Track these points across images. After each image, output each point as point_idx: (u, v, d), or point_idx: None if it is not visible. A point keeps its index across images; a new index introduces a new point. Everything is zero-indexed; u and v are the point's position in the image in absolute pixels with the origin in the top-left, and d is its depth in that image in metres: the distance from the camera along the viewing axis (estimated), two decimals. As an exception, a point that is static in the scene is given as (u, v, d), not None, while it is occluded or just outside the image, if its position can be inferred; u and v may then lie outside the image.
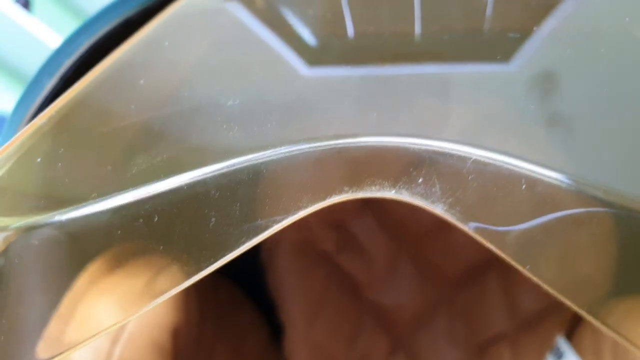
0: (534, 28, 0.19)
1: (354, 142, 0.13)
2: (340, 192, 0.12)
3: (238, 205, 0.12)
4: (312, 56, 0.19)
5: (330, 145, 0.13)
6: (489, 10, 0.20)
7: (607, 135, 0.13)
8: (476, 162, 0.12)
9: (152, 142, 0.14)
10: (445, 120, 0.14)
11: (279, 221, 0.12)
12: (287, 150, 0.13)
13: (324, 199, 0.12)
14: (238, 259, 0.13)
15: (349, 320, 0.41)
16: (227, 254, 0.12)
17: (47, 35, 0.91)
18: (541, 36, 0.19)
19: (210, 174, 0.13)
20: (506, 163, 0.12)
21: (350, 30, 0.22)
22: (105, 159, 0.13)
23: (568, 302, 0.13)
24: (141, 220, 0.12)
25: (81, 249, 0.13)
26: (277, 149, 0.13)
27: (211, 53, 0.17)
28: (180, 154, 0.13)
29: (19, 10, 0.88)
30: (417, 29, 0.22)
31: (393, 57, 0.20)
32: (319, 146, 0.13)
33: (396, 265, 0.42)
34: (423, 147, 0.12)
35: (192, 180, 0.13)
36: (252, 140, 0.13)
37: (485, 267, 0.41)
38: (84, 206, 0.13)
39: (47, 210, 0.13)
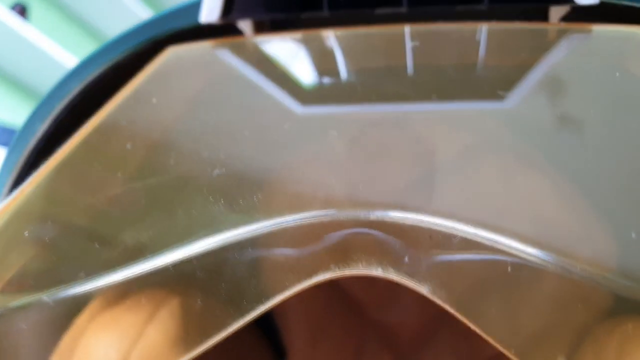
0: (526, 71, 0.19)
1: (340, 216, 0.13)
2: (327, 270, 0.12)
3: (223, 285, 0.12)
4: (305, 98, 0.19)
5: (318, 218, 0.12)
6: (481, 52, 0.20)
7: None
8: (464, 241, 0.12)
9: (139, 216, 0.13)
10: (434, 187, 0.13)
11: (264, 303, 0.12)
12: (273, 224, 0.13)
13: (310, 277, 0.12)
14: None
15: (352, 341, 0.41)
16: (213, 336, 0.12)
17: (44, 42, 0.91)
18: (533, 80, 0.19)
19: (196, 253, 0.12)
20: (494, 242, 0.12)
21: (343, 72, 0.22)
22: (92, 234, 0.13)
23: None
24: (127, 301, 0.12)
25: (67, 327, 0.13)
26: (263, 223, 0.13)
27: (200, 110, 0.17)
28: (166, 230, 0.13)
29: (15, 18, 0.89)
30: (410, 69, 0.22)
31: (387, 96, 0.20)
32: (305, 219, 0.13)
33: (397, 284, 0.42)
34: (409, 223, 0.12)
35: (177, 259, 0.12)
36: (239, 214, 0.13)
37: (488, 283, 0.40)
38: (71, 287, 0.13)
39: (33, 289, 0.13)
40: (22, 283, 0.14)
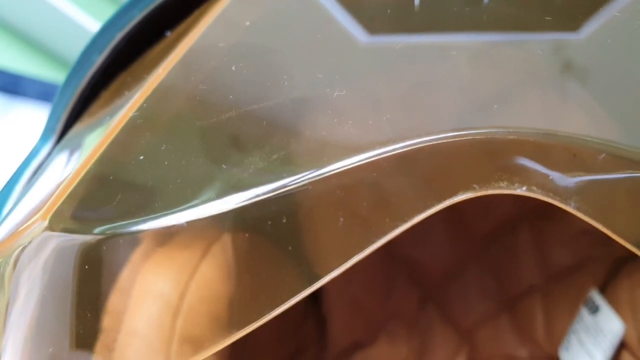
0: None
1: (478, 133, 0.12)
2: (467, 189, 0.12)
3: (365, 204, 0.12)
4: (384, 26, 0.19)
5: (458, 137, 0.12)
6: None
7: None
8: (609, 158, 0.12)
9: (263, 137, 0.13)
10: (554, 107, 0.13)
11: (401, 225, 0.12)
12: (408, 144, 0.12)
13: (450, 196, 0.12)
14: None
15: (383, 275, 0.42)
16: (355, 255, 0.12)
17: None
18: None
19: (334, 172, 0.12)
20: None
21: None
22: (216, 156, 0.13)
23: None
24: (269, 222, 0.12)
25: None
26: (399, 144, 0.12)
27: (298, 33, 0.16)
28: (297, 151, 0.13)
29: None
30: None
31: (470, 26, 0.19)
32: (443, 138, 0.12)
33: (427, 220, 0.42)
34: (551, 142, 0.12)
35: (314, 179, 0.12)
36: (370, 135, 0.13)
37: (517, 221, 0.41)
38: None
39: (153, 211, 0.13)
40: (139, 206, 0.13)
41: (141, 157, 0.13)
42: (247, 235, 0.13)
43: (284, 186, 0.12)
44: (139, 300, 0.16)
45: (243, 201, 0.12)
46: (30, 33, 0.92)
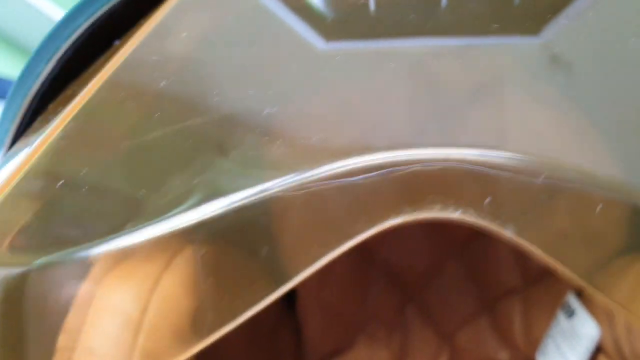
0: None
1: (410, 156, 0.12)
2: (399, 213, 0.12)
3: (292, 231, 0.11)
4: (334, 32, 0.18)
5: (386, 159, 0.12)
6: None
7: None
8: (548, 180, 0.11)
9: (186, 160, 0.12)
10: (503, 120, 0.12)
11: (334, 248, 0.11)
12: (338, 167, 0.12)
13: (381, 221, 0.11)
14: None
15: (358, 279, 0.41)
16: (284, 284, 0.11)
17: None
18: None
19: (257, 197, 0.12)
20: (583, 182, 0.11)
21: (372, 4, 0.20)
22: (136, 181, 0.12)
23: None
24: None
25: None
26: (328, 166, 0.12)
27: (234, 44, 0.15)
28: (219, 175, 0.12)
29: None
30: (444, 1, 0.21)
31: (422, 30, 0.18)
32: (373, 161, 0.12)
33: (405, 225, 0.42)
34: (488, 160, 0.11)
35: (236, 205, 0.12)
36: (299, 156, 0.12)
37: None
38: (118, 237, 0.12)
39: (73, 243, 0.12)
40: (61, 238, 0.13)
41: (61, 182, 0.13)
42: (210, 245, 0.12)
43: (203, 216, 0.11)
44: (97, 317, 0.15)
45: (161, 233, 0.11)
46: (9, 32, 0.90)
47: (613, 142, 0.13)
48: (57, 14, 0.90)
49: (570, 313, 0.34)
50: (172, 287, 0.16)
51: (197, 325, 0.27)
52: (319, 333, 0.39)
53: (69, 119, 0.14)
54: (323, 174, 0.12)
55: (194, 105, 0.13)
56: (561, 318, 0.34)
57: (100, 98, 0.14)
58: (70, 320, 0.14)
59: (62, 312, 0.14)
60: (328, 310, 0.41)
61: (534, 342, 0.38)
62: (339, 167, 0.12)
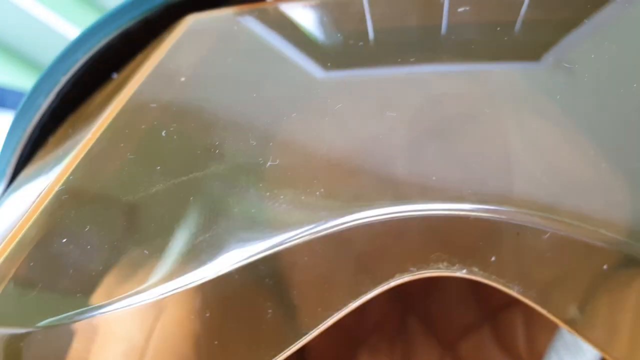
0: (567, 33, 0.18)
1: (414, 212, 0.12)
2: (404, 271, 0.11)
3: (295, 292, 0.11)
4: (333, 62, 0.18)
5: (390, 215, 0.11)
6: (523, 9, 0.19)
7: None
8: (555, 237, 0.11)
9: (190, 217, 0.12)
10: (509, 165, 0.12)
11: (338, 310, 0.11)
12: (341, 222, 0.12)
13: (387, 280, 0.11)
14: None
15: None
16: (288, 347, 0.11)
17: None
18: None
19: (260, 257, 0.11)
20: (585, 236, 0.11)
21: (371, 33, 0.20)
22: (140, 240, 0.12)
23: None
24: (192, 316, 0.11)
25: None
26: (331, 223, 0.12)
27: (233, 87, 0.15)
28: (223, 232, 0.12)
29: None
30: (444, 27, 0.21)
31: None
32: (375, 216, 0.12)
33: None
34: (494, 216, 0.11)
35: (240, 265, 0.11)
36: (301, 211, 0.12)
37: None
38: (121, 299, 0.12)
39: (75, 306, 0.12)
40: (64, 300, 0.13)
41: (64, 240, 0.13)
42: (213, 307, 0.12)
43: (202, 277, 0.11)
44: (102, 345, 0.15)
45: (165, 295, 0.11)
46: (10, 42, 0.90)
47: (618, 177, 0.13)
48: (53, 19, 0.89)
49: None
50: (176, 318, 0.15)
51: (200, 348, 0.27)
52: (321, 347, 0.39)
53: (68, 172, 0.14)
54: (326, 231, 0.12)
55: (195, 158, 0.13)
56: (564, 332, 0.34)
57: (98, 150, 0.14)
58: (75, 348, 0.14)
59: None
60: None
61: (537, 354, 0.38)
62: (342, 223, 0.12)
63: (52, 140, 0.22)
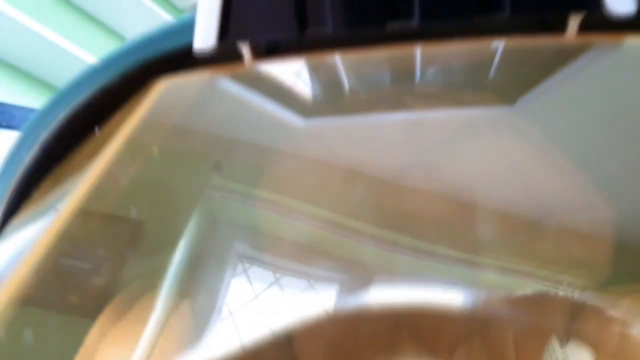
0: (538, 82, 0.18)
1: (385, 304, 0.12)
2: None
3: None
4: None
5: (362, 305, 0.12)
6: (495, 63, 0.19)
7: None
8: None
9: (159, 299, 0.13)
10: (481, 232, 0.13)
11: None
12: (314, 314, 0.12)
13: None
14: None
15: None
16: None
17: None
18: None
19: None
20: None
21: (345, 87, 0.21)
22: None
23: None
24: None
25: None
26: (306, 315, 0.12)
27: (207, 156, 0.16)
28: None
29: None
30: (417, 76, 0.21)
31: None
32: (350, 308, 0.12)
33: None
34: (460, 307, 0.11)
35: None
36: (286, 304, 0.12)
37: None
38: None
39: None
40: None
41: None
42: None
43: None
44: None
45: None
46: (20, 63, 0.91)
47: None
48: (64, 42, 0.90)
49: (564, 341, 0.34)
50: (168, 349, 0.16)
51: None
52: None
53: (44, 253, 0.14)
54: (298, 325, 0.12)
55: (164, 243, 0.14)
56: (555, 346, 0.35)
57: (72, 232, 0.14)
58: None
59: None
60: (322, 341, 0.41)
61: (529, 367, 0.38)
62: (314, 315, 0.12)
63: (36, 194, 0.22)
